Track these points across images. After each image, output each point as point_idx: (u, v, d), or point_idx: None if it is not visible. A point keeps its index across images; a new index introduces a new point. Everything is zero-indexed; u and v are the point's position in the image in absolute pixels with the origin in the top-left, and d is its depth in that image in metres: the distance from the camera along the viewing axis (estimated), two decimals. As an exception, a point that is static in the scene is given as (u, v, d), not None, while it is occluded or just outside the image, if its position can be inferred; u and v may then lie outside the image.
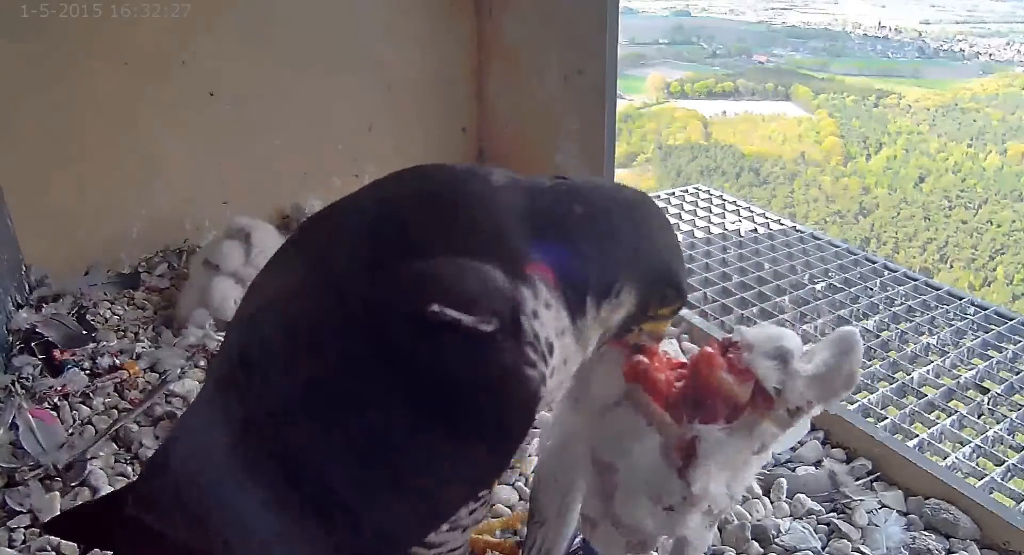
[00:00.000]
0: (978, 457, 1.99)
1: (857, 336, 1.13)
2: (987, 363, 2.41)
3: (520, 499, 1.68)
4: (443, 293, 0.88)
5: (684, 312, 2.41)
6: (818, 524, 1.64)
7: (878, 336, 2.58)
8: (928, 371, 2.36)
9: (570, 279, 0.99)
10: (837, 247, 3.23)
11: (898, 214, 26.69)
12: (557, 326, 0.98)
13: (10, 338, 2.13)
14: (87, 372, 2.05)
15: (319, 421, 0.90)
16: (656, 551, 1.27)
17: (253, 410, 0.93)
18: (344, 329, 0.91)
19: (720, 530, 1.61)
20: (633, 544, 1.17)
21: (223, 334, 2.21)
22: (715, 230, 3.40)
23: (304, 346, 0.92)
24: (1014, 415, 2.14)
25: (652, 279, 1.08)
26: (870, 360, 2.43)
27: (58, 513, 1.56)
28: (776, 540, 1.57)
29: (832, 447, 1.88)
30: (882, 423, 2.04)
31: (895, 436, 1.95)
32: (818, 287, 2.87)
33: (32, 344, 2.11)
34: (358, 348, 0.88)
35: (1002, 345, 2.53)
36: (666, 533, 1.15)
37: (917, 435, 2.03)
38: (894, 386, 2.27)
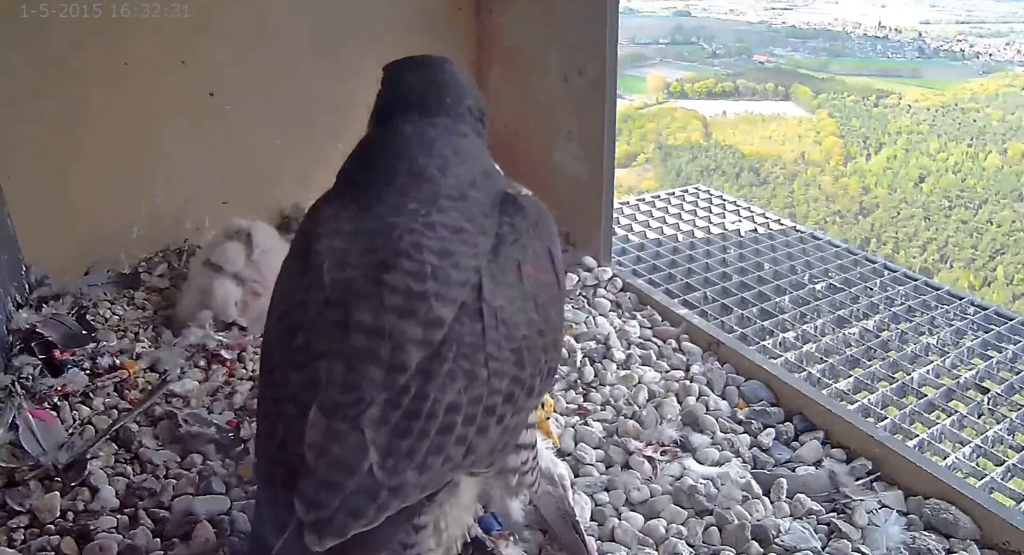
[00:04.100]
0: (978, 457, 2.00)
1: None
2: (987, 363, 2.41)
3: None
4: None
5: (684, 312, 2.41)
6: (818, 524, 1.64)
7: (878, 336, 2.58)
8: (928, 371, 2.36)
9: None
10: (837, 247, 3.23)
11: (898, 214, 26.70)
12: None
13: (10, 338, 2.13)
14: (87, 372, 2.04)
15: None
16: None
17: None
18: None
19: (720, 530, 1.61)
20: None
21: (223, 334, 2.24)
22: (715, 230, 3.40)
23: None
24: (1014, 415, 2.14)
25: None
26: (870, 360, 2.44)
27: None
28: (776, 540, 1.57)
29: (832, 447, 1.88)
30: (882, 423, 2.04)
31: (895, 436, 1.96)
32: (818, 287, 2.87)
33: (32, 344, 2.10)
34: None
35: (1002, 345, 2.53)
36: None
37: (917, 435, 2.04)
38: (894, 386, 2.27)
